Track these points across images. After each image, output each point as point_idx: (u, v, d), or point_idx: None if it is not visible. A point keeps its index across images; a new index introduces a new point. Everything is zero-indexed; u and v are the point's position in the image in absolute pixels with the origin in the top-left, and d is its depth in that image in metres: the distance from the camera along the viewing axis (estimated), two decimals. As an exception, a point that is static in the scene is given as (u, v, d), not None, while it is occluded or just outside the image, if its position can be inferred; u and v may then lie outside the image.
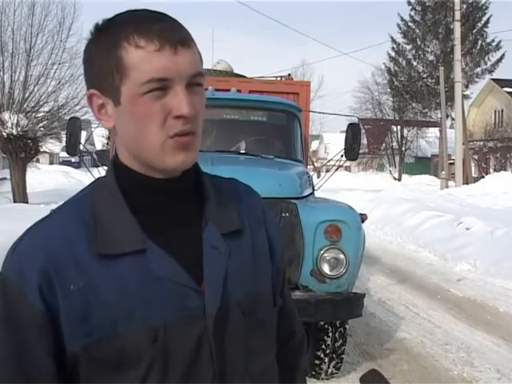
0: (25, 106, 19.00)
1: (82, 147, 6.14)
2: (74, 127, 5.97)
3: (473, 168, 40.08)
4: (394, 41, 48.87)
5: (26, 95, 19.15)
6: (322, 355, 5.39)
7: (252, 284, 1.32)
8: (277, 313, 1.42)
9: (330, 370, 5.48)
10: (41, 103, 19.56)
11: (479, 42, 46.33)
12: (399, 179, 48.86)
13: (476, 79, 46.95)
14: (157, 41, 1.15)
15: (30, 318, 1.14)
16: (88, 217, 1.22)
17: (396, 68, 49.62)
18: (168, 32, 1.17)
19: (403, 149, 52.82)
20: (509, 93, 44.88)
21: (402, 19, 48.08)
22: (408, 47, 48.93)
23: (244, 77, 8.40)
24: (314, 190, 5.95)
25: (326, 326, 5.33)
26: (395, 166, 53.54)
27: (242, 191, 1.45)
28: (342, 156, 6.47)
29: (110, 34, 1.19)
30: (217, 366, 1.22)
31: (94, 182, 1.31)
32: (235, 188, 1.44)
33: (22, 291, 1.14)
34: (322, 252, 4.92)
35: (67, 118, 12.93)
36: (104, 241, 1.19)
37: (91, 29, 1.24)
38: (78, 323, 1.15)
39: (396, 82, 49.66)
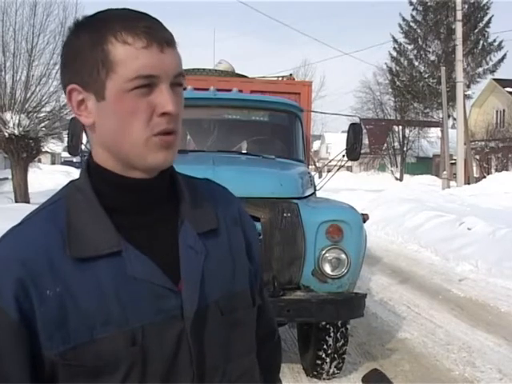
0: (26, 106, 19.03)
1: (83, 147, 6.14)
2: (75, 127, 5.97)
3: (474, 168, 40.05)
4: (395, 41, 48.96)
5: (28, 95, 19.18)
6: (323, 355, 5.39)
7: (230, 283, 1.32)
8: (256, 313, 1.41)
9: (331, 370, 5.47)
10: (42, 103, 19.60)
11: (481, 42, 46.37)
12: (401, 179, 48.82)
13: (478, 79, 47.09)
14: (144, 38, 1.16)
15: (6, 328, 1.12)
16: (62, 221, 1.20)
17: (397, 68, 49.65)
18: (155, 30, 1.18)
19: (405, 149, 52.79)
20: (510, 93, 44.81)
21: (404, 19, 48.17)
22: (410, 47, 49.04)
23: (245, 77, 8.40)
24: (315, 190, 5.95)
25: (328, 326, 5.32)
26: (397, 166, 53.53)
27: (216, 192, 1.44)
28: (343, 156, 6.47)
29: (95, 30, 1.18)
30: (195, 367, 1.22)
31: (66, 185, 1.30)
32: (210, 188, 1.43)
33: None
34: (323, 252, 4.92)
35: (69, 118, 12.90)
36: (79, 244, 1.17)
37: (71, 25, 1.24)
38: (54, 329, 1.13)
39: (398, 82, 49.67)
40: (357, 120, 26.49)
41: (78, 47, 1.20)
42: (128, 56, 1.15)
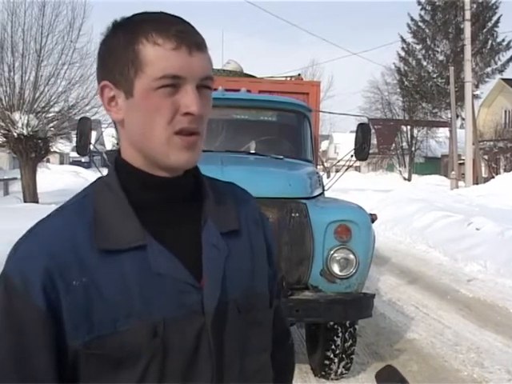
0: (35, 106, 19.10)
1: (92, 147, 6.15)
2: (84, 127, 5.99)
3: (483, 168, 39.95)
4: (403, 41, 48.83)
5: (37, 95, 19.25)
6: (331, 355, 5.39)
7: (249, 283, 1.35)
8: (273, 314, 1.44)
9: (339, 371, 5.47)
10: (51, 103, 19.66)
11: (489, 41, 46.19)
12: (409, 179, 48.76)
13: (486, 79, 46.87)
14: (174, 40, 1.20)
15: (34, 317, 1.16)
16: (90, 215, 1.24)
17: (406, 68, 49.51)
18: (185, 34, 1.22)
19: (413, 149, 52.69)
20: (519, 93, 44.71)
21: (412, 19, 48.02)
22: (418, 47, 48.85)
23: (254, 77, 8.41)
24: (323, 190, 5.94)
25: (336, 326, 5.32)
26: (405, 166, 53.43)
27: (239, 194, 1.47)
28: (351, 156, 6.46)
29: (129, 31, 1.23)
30: (215, 362, 1.24)
31: (95, 181, 1.34)
32: (233, 190, 1.46)
33: (25, 291, 1.16)
34: (331, 252, 4.92)
35: (77, 118, 12.92)
36: (105, 237, 1.21)
37: (109, 25, 1.29)
38: (80, 319, 1.17)
39: (406, 82, 49.58)
40: (365, 120, 26.49)
41: (113, 46, 1.25)
42: (157, 56, 1.20)
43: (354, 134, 6.55)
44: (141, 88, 1.21)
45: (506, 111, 47.28)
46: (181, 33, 1.21)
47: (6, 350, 1.17)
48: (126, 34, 1.24)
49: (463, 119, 38.07)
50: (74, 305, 1.17)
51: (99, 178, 1.34)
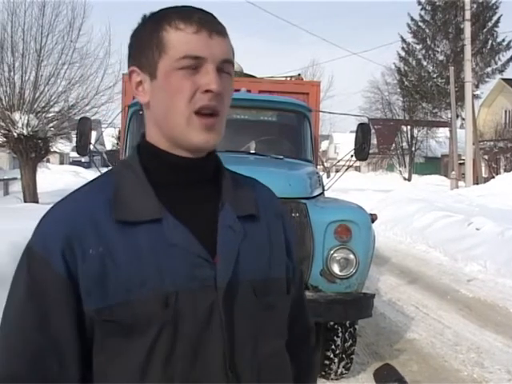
0: (35, 106, 19.05)
1: (92, 147, 6.16)
2: (84, 127, 6.00)
3: (483, 168, 39.95)
4: (403, 41, 48.81)
5: (37, 95, 19.20)
6: (331, 355, 5.39)
7: (266, 268, 1.37)
8: (289, 301, 1.45)
9: (339, 371, 5.48)
10: (51, 103, 19.61)
11: (489, 41, 46.18)
12: (409, 179, 48.76)
13: (486, 79, 46.86)
14: (195, 25, 1.28)
15: (55, 282, 1.23)
16: (110, 191, 1.30)
17: (406, 68, 49.50)
18: (206, 21, 1.30)
19: (413, 149, 52.68)
20: (519, 93, 44.71)
21: (412, 19, 48.03)
22: (418, 47, 48.84)
23: (254, 77, 8.40)
24: (323, 190, 5.94)
25: (336, 326, 5.33)
26: (405, 166, 53.41)
27: (260, 186, 1.53)
28: (351, 156, 6.47)
29: (155, 21, 1.33)
30: (226, 337, 1.27)
31: (116, 164, 1.42)
32: (254, 182, 1.52)
33: (46, 258, 1.23)
34: (331, 252, 4.92)
35: (77, 118, 12.90)
36: (123, 209, 1.27)
37: (140, 19, 1.38)
38: (94, 286, 1.22)
39: (406, 82, 49.56)
40: (365, 120, 26.44)
41: (140, 35, 1.35)
42: (179, 39, 1.28)
43: (353, 134, 6.55)
44: (163, 69, 1.29)
45: (506, 111, 47.27)
46: (202, 19, 1.29)
47: (29, 313, 1.23)
48: (152, 24, 1.33)
49: (463, 119, 38.06)
50: (90, 272, 1.23)
51: (121, 161, 1.43)
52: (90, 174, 33.16)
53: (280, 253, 1.44)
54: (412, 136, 52.83)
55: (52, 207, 1.33)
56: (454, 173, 32.77)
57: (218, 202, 1.35)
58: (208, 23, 1.29)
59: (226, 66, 1.32)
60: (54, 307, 1.23)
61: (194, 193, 1.35)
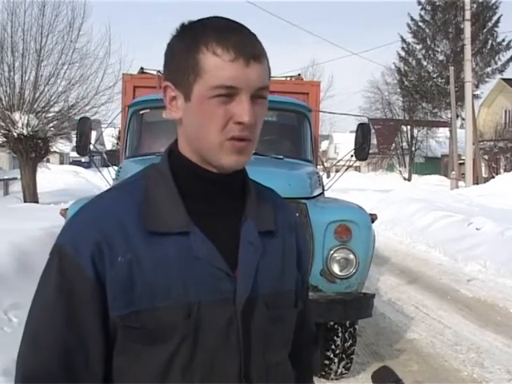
0: (35, 106, 19.05)
1: (92, 147, 6.15)
2: (84, 127, 5.99)
3: (483, 168, 39.96)
4: (403, 40, 48.85)
5: (37, 95, 19.20)
6: (331, 355, 5.39)
7: (278, 282, 1.41)
8: (296, 314, 1.49)
9: (339, 371, 5.47)
10: (51, 103, 19.61)
11: (489, 41, 46.25)
12: (409, 179, 48.76)
13: (486, 79, 46.93)
14: (232, 52, 1.26)
15: (84, 283, 1.26)
16: (140, 196, 1.34)
17: (406, 68, 49.53)
18: (244, 45, 1.28)
19: (413, 149, 52.69)
20: (519, 93, 44.68)
21: (412, 19, 48.07)
22: (418, 47, 48.90)
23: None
24: (323, 190, 5.93)
25: (336, 326, 5.32)
26: (405, 166, 53.42)
27: (278, 200, 1.56)
28: (351, 156, 6.46)
29: (192, 37, 1.31)
30: (243, 349, 1.31)
31: (147, 167, 1.42)
32: (273, 196, 1.55)
33: (76, 260, 1.27)
34: (331, 252, 4.92)
35: (77, 118, 12.90)
36: (152, 219, 1.30)
37: (177, 27, 1.37)
38: (120, 293, 1.26)
39: (406, 82, 49.59)
40: (365, 120, 26.43)
41: (177, 50, 1.34)
42: (215, 66, 1.27)
43: (353, 134, 6.54)
44: (198, 94, 1.29)
45: (506, 111, 47.27)
46: (239, 43, 1.27)
47: (58, 309, 1.27)
48: (189, 40, 1.31)
49: (463, 119, 38.08)
50: (117, 279, 1.26)
51: (151, 164, 1.42)
52: (90, 174, 33.19)
53: (292, 266, 1.48)
54: (412, 136, 52.84)
55: (82, 208, 1.36)
56: (454, 173, 32.79)
57: (242, 215, 1.39)
58: (245, 48, 1.28)
59: (261, 92, 1.32)
60: (82, 306, 1.27)
61: (220, 207, 1.38)
